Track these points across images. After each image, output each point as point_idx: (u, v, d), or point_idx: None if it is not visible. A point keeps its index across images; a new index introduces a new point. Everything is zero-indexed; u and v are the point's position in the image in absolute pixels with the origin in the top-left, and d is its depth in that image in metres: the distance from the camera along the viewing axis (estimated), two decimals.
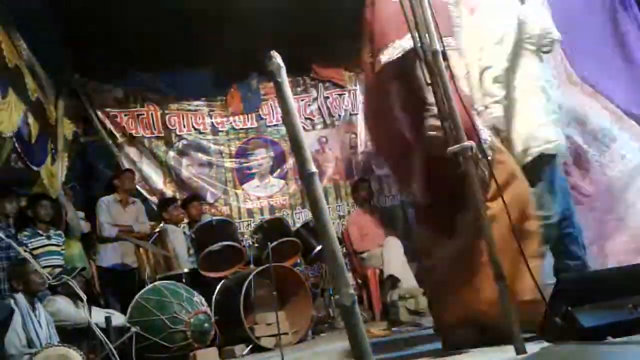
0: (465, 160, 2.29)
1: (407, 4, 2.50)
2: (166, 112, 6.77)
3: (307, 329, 4.90)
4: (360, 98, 7.17)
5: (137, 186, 6.27)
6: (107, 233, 5.36)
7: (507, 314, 1.99)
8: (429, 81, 2.44)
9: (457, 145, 2.31)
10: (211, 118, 6.94)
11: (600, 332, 1.86)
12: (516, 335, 1.93)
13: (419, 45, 2.45)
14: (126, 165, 6.35)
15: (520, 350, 1.91)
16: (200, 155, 6.82)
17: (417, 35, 2.46)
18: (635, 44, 4.17)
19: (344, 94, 7.31)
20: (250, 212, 6.84)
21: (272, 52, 2.41)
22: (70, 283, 3.56)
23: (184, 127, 6.83)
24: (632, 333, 1.84)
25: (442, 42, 2.42)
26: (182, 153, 6.76)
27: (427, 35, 2.42)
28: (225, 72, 6.87)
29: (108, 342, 3.35)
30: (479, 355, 2.42)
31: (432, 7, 2.47)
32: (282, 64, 2.41)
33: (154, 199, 6.40)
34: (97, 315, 3.85)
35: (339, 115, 7.22)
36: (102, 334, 3.47)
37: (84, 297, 3.46)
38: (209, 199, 6.69)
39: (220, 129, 6.95)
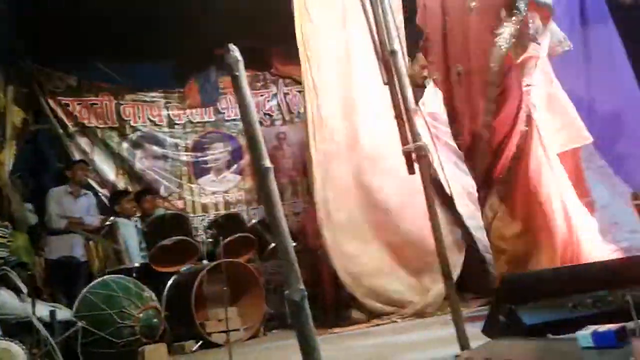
0: (419, 159, 2.33)
1: (367, 4, 2.52)
2: (121, 102, 6.62)
3: (260, 325, 4.88)
4: None
5: (87, 178, 6.11)
6: (56, 224, 5.21)
7: (453, 310, 2.03)
8: (385, 81, 2.47)
9: (411, 144, 2.35)
10: (168, 110, 6.82)
11: (542, 329, 1.92)
12: (460, 331, 1.98)
13: (378, 45, 2.48)
14: (77, 155, 6.17)
15: (464, 346, 1.96)
16: (155, 147, 6.69)
17: (375, 35, 2.49)
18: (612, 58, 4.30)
19: (304, 91, 7.30)
20: (205, 207, 6.76)
21: (230, 45, 2.40)
22: (10, 275, 3.44)
23: (139, 118, 6.69)
24: (572, 331, 1.90)
25: (400, 42, 2.46)
26: (136, 145, 6.62)
27: (385, 35, 2.44)
28: (184, 64, 6.77)
29: (50, 337, 3.25)
30: (422, 351, 2.47)
31: (391, 8, 2.50)
32: (240, 57, 2.39)
33: (105, 192, 6.24)
34: (42, 309, 3.73)
35: (298, 112, 7.22)
36: (44, 328, 3.36)
37: (25, 290, 3.34)
38: (163, 192, 6.57)
39: (176, 122, 6.84)
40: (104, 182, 6.35)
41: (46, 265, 5.22)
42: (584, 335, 1.09)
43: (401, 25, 4.30)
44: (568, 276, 2.26)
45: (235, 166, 6.95)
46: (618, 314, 1.91)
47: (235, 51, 2.37)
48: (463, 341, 2.04)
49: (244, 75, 2.39)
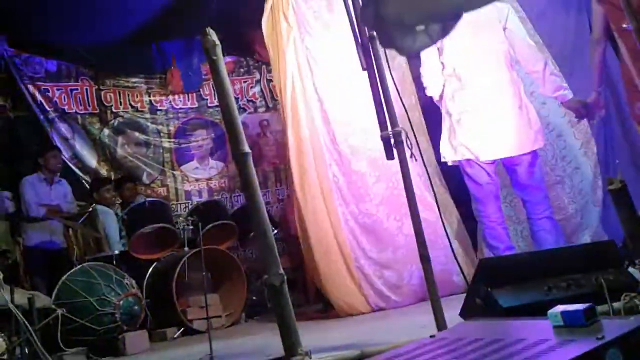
0: (397, 145, 2.33)
1: None
2: (102, 88, 6.52)
3: (241, 312, 4.88)
4: None
5: (69, 164, 6.03)
6: (34, 213, 5.12)
7: (430, 292, 2.05)
8: (364, 66, 2.46)
9: (390, 130, 2.35)
10: (149, 96, 6.74)
11: (518, 311, 1.95)
12: (438, 312, 2.00)
13: (356, 29, 2.46)
14: (57, 142, 6.08)
15: (441, 327, 1.98)
16: (137, 134, 6.62)
17: (354, 19, 2.47)
18: None
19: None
20: (188, 194, 6.72)
21: (207, 29, 2.37)
22: None
23: (121, 104, 6.61)
24: (547, 313, 1.94)
25: None
26: (117, 131, 6.54)
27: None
28: (166, 49, 6.68)
29: (28, 324, 3.22)
30: (399, 332, 2.49)
31: None
32: (217, 41, 2.36)
33: (87, 178, 6.17)
34: (21, 297, 3.70)
35: None
36: (22, 316, 3.33)
37: (0, 275, 3.31)
38: (145, 179, 6.52)
39: (158, 108, 6.76)
40: (85, 169, 6.27)
41: (24, 253, 5.16)
42: (555, 314, 1.11)
43: None
44: (544, 260, 2.29)
45: (218, 153, 6.90)
46: (591, 296, 1.94)
47: (212, 35, 2.35)
48: (440, 323, 2.06)
49: (222, 59, 2.38)
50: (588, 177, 4.10)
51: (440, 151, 3.70)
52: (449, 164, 3.71)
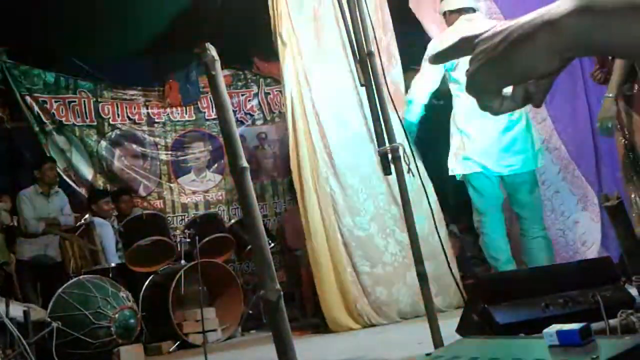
0: (394, 160, 2.34)
1: (344, 4, 2.53)
2: (99, 100, 6.54)
3: (237, 325, 4.86)
4: None
5: (64, 176, 6.02)
6: (33, 229, 5.07)
7: (426, 305, 2.05)
8: (362, 82, 2.47)
9: (388, 145, 2.36)
10: (147, 108, 6.75)
11: (514, 328, 1.95)
12: (434, 330, 1.99)
13: (355, 46, 2.48)
14: (53, 154, 6.08)
15: (438, 345, 1.98)
16: (134, 146, 6.62)
17: (352, 36, 2.49)
18: None
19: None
20: (185, 207, 6.71)
21: (206, 44, 2.38)
22: None
23: (118, 116, 6.62)
24: (544, 330, 1.94)
25: (377, 44, 2.47)
26: (115, 143, 6.55)
27: (362, 36, 2.45)
28: (164, 62, 6.70)
29: (22, 338, 3.20)
30: (398, 349, 2.48)
31: (368, 9, 2.51)
32: (216, 56, 2.38)
33: (82, 190, 6.16)
34: (16, 310, 3.68)
35: (279, 112, 7.20)
36: (16, 329, 3.31)
37: None
38: (142, 192, 6.51)
39: (156, 120, 6.77)
40: (81, 181, 6.27)
41: (18, 266, 5.13)
42: (550, 333, 1.11)
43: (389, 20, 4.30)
44: (541, 277, 2.29)
45: (215, 165, 6.91)
46: (588, 313, 1.95)
47: (212, 50, 2.36)
48: (437, 341, 2.06)
49: (220, 74, 2.39)
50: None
51: (449, 165, 3.78)
52: (458, 178, 3.79)
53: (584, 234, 4.17)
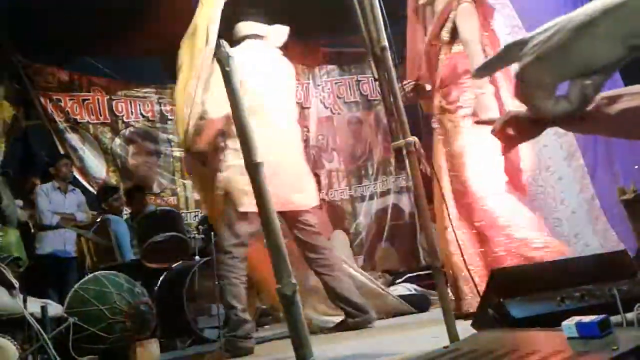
0: (409, 154, 2.34)
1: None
2: (113, 98, 6.60)
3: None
4: (312, 91, 7.16)
5: (75, 174, 6.08)
6: (48, 221, 5.17)
7: (441, 300, 2.05)
8: (376, 76, 2.48)
9: (401, 140, 2.36)
10: (160, 106, 6.80)
11: (530, 322, 1.94)
12: (450, 321, 2.00)
13: (368, 41, 2.48)
14: (68, 152, 6.14)
15: (453, 337, 1.98)
16: (147, 143, 6.68)
17: (366, 30, 2.49)
18: None
19: (297, 88, 7.30)
20: (198, 203, 6.75)
21: (221, 40, 2.40)
22: (4, 271, 3.43)
23: (132, 114, 6.67)
24: (559, 324, 1.93)
25: (390, 38, 2.46)
26: (129, 141, 6.61)
27: (376, 30, 2.45)
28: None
29: (43, 332, 3.25)
30: (411, 342, 2.48)
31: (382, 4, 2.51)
32: (231, 53, 2.40)
33: (94, 187, 6.21)
34: (33, 305, 3.72)
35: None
36: (37, 324, 3.36)
37: (17, 284, 3.34)
38: (156, 189, 6.56)
39: (169, 117, 6.82)
40: (92, 179, 6.32)
41: (36, 261, 5.20)
42: (569, 325, 1.11)
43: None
44: (556, 270, 2.28)
45: None
46: (604, 307, 1.93)
47: (226, 47, 2.38)
48: (453, 335, 2.06)
49: (234, 71, 2.40)
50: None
51: None
52: None
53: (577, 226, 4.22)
